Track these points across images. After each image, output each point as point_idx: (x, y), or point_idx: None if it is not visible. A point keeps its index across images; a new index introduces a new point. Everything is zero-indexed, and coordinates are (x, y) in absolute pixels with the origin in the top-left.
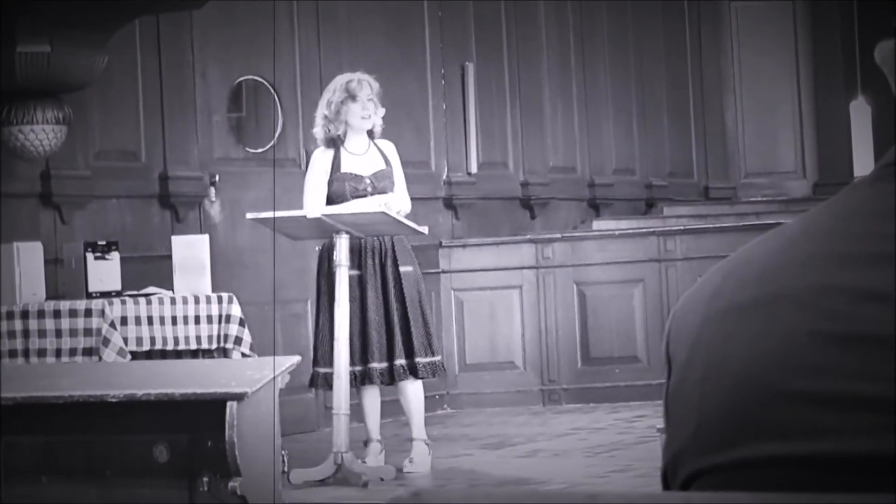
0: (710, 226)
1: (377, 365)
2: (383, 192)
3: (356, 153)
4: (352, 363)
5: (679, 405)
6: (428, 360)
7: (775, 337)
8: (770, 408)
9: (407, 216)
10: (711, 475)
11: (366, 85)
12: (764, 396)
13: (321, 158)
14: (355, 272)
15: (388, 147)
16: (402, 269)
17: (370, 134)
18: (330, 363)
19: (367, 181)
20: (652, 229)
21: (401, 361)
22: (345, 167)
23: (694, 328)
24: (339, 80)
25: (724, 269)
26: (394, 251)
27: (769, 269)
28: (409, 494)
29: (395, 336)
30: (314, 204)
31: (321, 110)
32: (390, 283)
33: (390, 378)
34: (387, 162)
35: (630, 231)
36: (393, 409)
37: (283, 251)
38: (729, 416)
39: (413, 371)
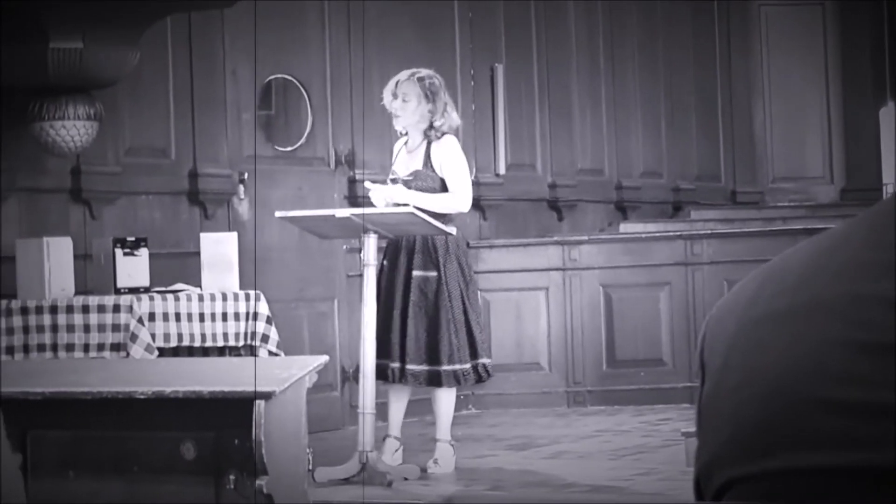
0: (737, 230)
1: (386, 362)
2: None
3: (410, 150)
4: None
5: (713, 413)
6: (426, 368)
7: (809, 346)
8: (804, 417)
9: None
10: (745, 484)
11: (404, 85)
12: (798, 405)
13: (394, 148)
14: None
15: (440, 146)
16: (414, 273)
17: (427, 133)
18: (381, 355)
19: (400, 181)
20: (679, 233)
21: (395, 365)
22: (395, 163)
23: (729, 336)
24: (396, 76)
25: (758, 277)
26: (411, 254)
27: (803, 277)
28: (442, 501)
29: (392, 338)
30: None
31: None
32: (401, 286)
33: (382, 377)
34: (426, 162)
35: (657, 234)
36: (418, 408)
37: (309, 250)
38: (763, 425)
39: (402, 376)
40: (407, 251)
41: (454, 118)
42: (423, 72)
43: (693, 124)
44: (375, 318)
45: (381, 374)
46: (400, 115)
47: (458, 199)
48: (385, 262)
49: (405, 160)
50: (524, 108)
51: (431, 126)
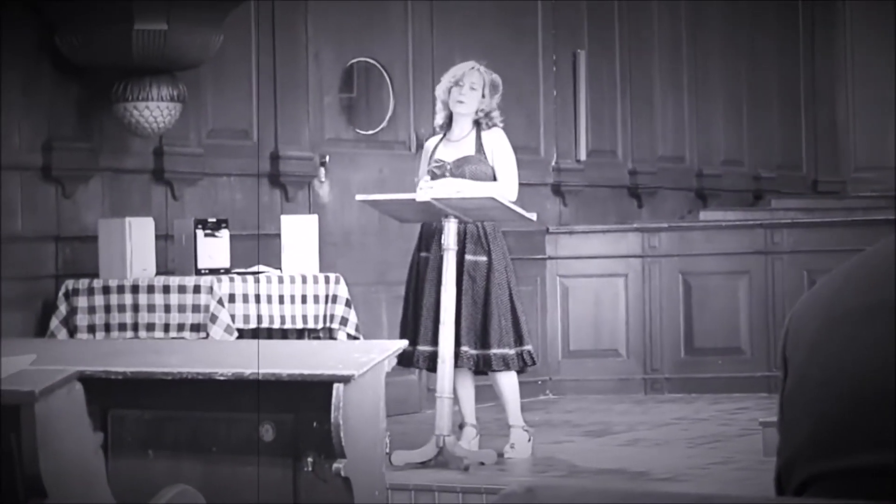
0: (818, 219)
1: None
2: (462, 177)
3: (453, 140)
4: (411, 343)
5: (795, 408)
6: (479, 352)
7: (894, 344)
8: (888, 415)
9: (515, 202)
10: (827, 481)
11: (472, 73)
12: (884, 403)
13: (426, 146)
14: (424, 254)
15: (491, 135)
16: (468, 258)
17: (478, 124)
18: (434, 342)
19: (448, 166)
20: (759, 221)
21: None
22: (438, 153)
23: (813, 330)
24: (453, 67)
25: (842, 272)
26: (464, 239)
27: (891, 273)
28: (522, 490)
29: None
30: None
31: (437, 94)
32: (454, 271)
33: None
34: (479, 149)
35: (737, 222)
36: (494, 393)
37: (388, 233)
38: (847, 422)
39: (456, 360)
40: (460, 237)
41: (499, 115)
42: (482, 65)
43: (775, 113)
44: (425, 305)
45: (434, 363)
46: (465, 101)
47: (508, 189)
48: (426, 250)
49: (449, 149)
50: (606, 94)
51: (488, 115)
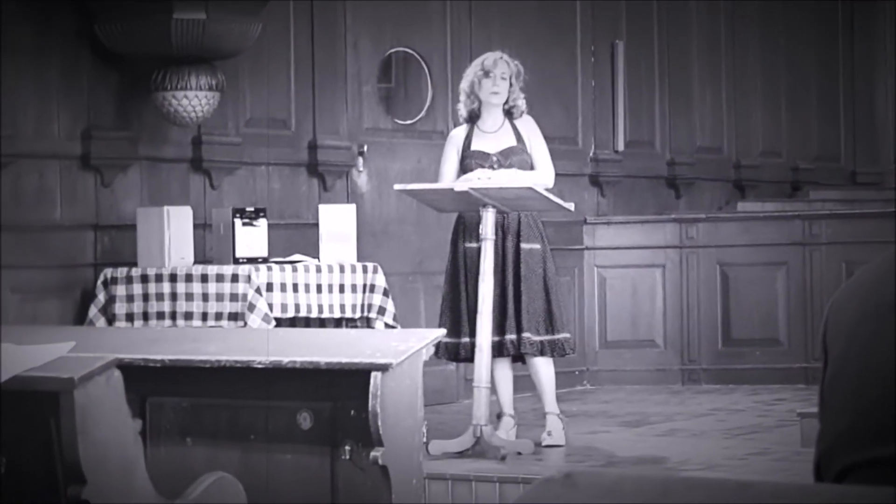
0: (857, 211)
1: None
2: (510, 168)
3: (487, 131)
4: (469, 335)
5: (835, 397)
6: (544, 337)
7: None
8: None
9: (552, 191)
10: (866, 469)
11: (502, 63)
12: None
13: (454, 136)
14: (474, 245)
15: (525, 123)
16: (523, 245)
17: (508, 114)
18: (452, 333)
19: (494, 158)
20: (797, 212)
21: (511, 337)
22: (474, 145)
23: (851, 321)
24: (480, 57)
25: (881, 262)
26: (518, 227)
27: None
28: (561, 476)
29: (507, 311)
30: (446, 181)
31: (462, 86)
32: (510, 259)
33: (498, 352)
34: (519, 139)
35: (775, 213)
36: (532, 383)
37: (427, 222)
38: (886, 411)
39: (520, 346)
40: (504, 226)
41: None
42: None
43: (813, 104)
44: (467, 294)
45: (499, 351)
46: (499, 91)
47: (548, 176)
48: (474, 241)
49: (486, 140)
50: (644, 85)
51: (516, 103)
